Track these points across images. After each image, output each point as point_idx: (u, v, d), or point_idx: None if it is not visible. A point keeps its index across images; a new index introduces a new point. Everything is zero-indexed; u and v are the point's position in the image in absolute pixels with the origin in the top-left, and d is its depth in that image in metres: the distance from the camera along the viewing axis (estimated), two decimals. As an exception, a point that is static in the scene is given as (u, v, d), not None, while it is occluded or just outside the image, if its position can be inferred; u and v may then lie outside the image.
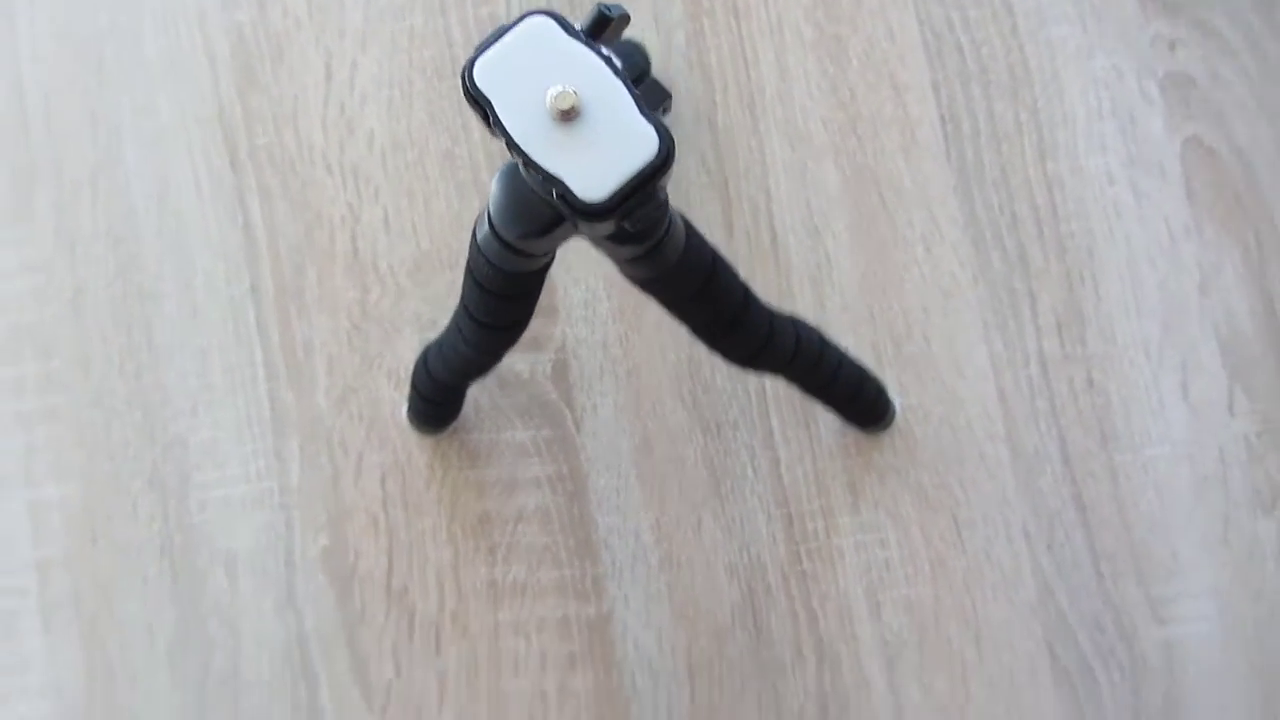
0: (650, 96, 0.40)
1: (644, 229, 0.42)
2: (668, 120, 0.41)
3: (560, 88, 0.37)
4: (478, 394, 0.70)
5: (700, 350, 0.69)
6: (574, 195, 0.38)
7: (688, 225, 0.47)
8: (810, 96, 0.71)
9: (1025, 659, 0.66)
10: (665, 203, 0.42)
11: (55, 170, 0.73)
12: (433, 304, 0.71)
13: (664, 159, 0.38)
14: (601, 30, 0.40)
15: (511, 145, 0.38)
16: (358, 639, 0.68)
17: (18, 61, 0.74)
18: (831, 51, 0.71)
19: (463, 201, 0.72)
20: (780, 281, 0.70)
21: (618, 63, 0.39)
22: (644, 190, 0.38)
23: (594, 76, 0.38)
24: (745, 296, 0.51)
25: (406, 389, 0.70)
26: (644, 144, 0.38)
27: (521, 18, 0.39)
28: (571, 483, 0.69)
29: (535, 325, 0.54)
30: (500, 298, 0.48)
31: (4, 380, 0.72)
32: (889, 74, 0.71)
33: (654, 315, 0.70)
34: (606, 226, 0.39)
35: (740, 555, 0.68)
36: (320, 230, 0.72)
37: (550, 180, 0.38)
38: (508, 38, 0.38)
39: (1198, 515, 0.67)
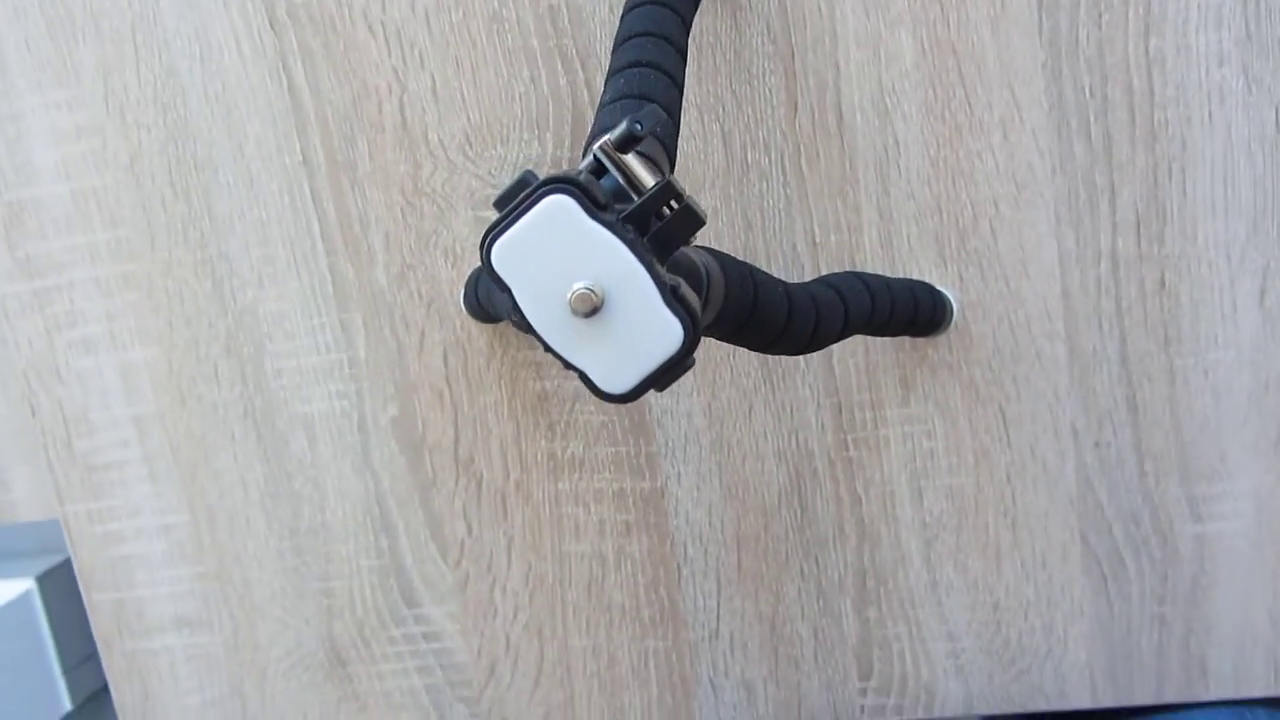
0: (680, 226, 0.36)
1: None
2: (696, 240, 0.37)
3: (581, 286, 0.34)
4: (533, 277, 0.68)
5: (758, 238, 0.66)
6: (595, 385, 0.35)
7: (725, 266, 0.43)
8: (891, -46, 0.62)
9: (1058, 545, 0.68)
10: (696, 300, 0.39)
11: (94, 24, 0.69)
12: (485, 180, 0.68)
13: (687, 350, 0.35)
14: (631, 147, 0.36)
15: (531, 332, 0.35)
16: (431, 500, 0.72)
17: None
18: (919, -102, 0.61)
19: (511, 71, 0.66)
20: (844, 166, 0.65)
21: (644, 219, 0.36)
22: (666, 380, 0.36)
23: (616, 263, 0.35)
24: (789, 304, 0.48)
25: (463, 267, 0.69)
26: (666, 336, 0.35)
27: (542, 192, 0.35)
28: (626, 365, 0.69)
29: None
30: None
31: (80, 246, 0.72)
32: (983, -73, 0.61)
33: (708, 201, 0.66)
34: None
35: (789, 441, 0.69)
36: (367, 99, 0.68)
37: (571, 367, 0.35)
38: (526, 219, 0.35)
39: (1252, 421, 0.65)
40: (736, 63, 0.65)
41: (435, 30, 0.67)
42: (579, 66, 0.66)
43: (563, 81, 0.66)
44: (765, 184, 0.66)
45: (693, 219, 0.36)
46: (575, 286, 0.35)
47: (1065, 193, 0.64)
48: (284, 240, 0.71)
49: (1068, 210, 0.64)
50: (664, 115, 0.41)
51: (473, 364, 0.70)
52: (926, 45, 0.63)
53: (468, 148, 0.68)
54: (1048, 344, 0.66)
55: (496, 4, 0.66)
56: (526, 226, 0.35)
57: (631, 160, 0.36)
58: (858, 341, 0.67)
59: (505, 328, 0.70)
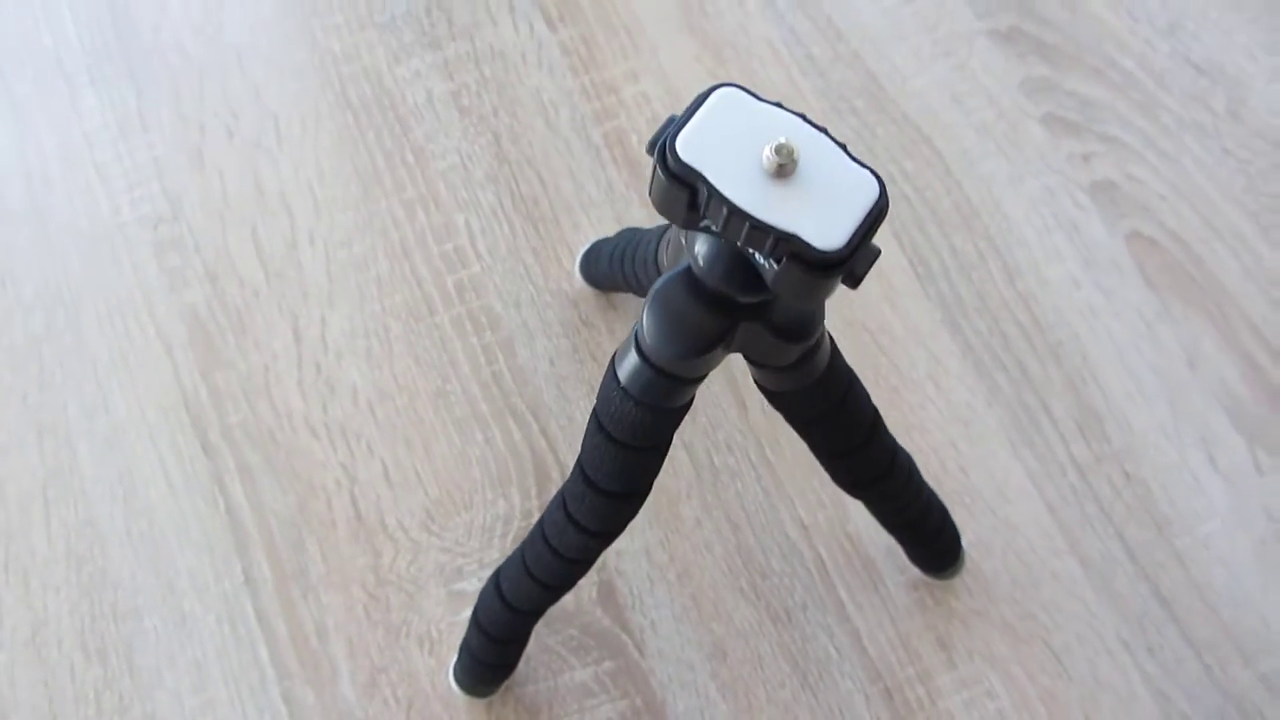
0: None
1: (806, 330, 0.37)
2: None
3: (779, 140, 0.31)
4: (526, 637, 0.55)
5: (748, 536, 0.58)
6: (812, 248, 0.31)
7: (832, 341, 0.41)
8: (782, 265, 0.63)
9: (1169, 777, 0.55)
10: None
11: (-8, 501, 0.57)
12: (454, 551, 0.57)
13: (886, 197, 0.32)
14: None
15: (734, 213, 0.31)
16: None
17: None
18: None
19: (464, 437, 0.59)
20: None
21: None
22: (871, 232, 0.32)
23: (798, 130, 0.32)
24: (874, 423, 0.43)
25: (443, 653, 0.55)
26: (864, 186, 0.32)
27: (708, 93, 0.33)
28: (649, 714, 0.55)
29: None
30: (634, 450, 0.40)
31: (-42, 759, 0.53)
32: (848, 231, 0.64)
33: (690, 512, 0.58)
34: (832, 284, 0.32)
35: (852, 743, 0.54)
36: (315, 499, 0.58)
37: (783, 238, 0.31)
38: (702, 111, 0.32)
39: (1272, 577, 0.58)
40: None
41: (381, 418, 0.60)
42: (531, 418, 0.60)
43: (517, 436, 0.60)
44: (739, 483, 0.59)
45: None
46: (768, 148, 0.31)
47: (1008, 419, 0.61)
48: (226, 678, 0.55)
49: (1017, 432, 0.61)
50: None
51: (475, 760, 0.54)
52: (840, 328, 0.63)
53: (430, 523, 0.58)
54: (1058, 561, 0.58)
55: (440, 381, 0.61)
56: (704, 117, 0.32)
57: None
58: (881, 612, 0.57)
59: (501, 706, 0.54)
